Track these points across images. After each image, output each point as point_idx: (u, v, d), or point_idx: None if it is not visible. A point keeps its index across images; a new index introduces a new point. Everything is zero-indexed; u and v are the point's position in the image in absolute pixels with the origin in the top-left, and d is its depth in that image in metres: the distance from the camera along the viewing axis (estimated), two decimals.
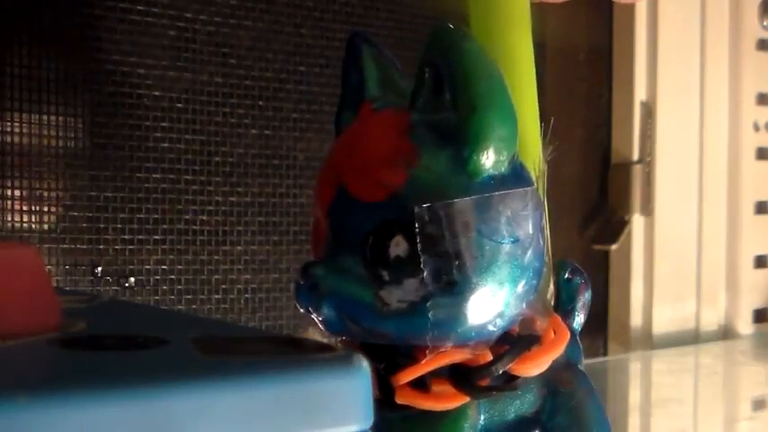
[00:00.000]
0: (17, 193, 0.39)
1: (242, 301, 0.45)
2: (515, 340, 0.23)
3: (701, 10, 0.64)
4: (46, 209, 0.40)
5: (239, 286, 0.45)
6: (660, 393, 0.51)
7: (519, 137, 0.22)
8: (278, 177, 0.46)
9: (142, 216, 0.42)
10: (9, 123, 0.39)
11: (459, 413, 0.23)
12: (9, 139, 0.39)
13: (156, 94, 0.43)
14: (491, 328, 0.22)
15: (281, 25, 0.46)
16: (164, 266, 0.43)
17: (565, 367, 0.25)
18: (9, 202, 0.39)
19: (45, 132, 0.40)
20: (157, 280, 0.43)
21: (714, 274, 0.65)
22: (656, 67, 0.62)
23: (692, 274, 0.64)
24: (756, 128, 0.67)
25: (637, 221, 0.62)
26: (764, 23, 0.67)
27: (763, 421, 0.46)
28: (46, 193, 0.40)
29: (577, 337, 0.26)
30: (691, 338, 0.63)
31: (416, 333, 0.22)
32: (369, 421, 0.16)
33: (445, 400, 0.23)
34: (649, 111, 0.62)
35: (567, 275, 0.26)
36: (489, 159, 0.21)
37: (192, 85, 0.44)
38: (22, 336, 0.16)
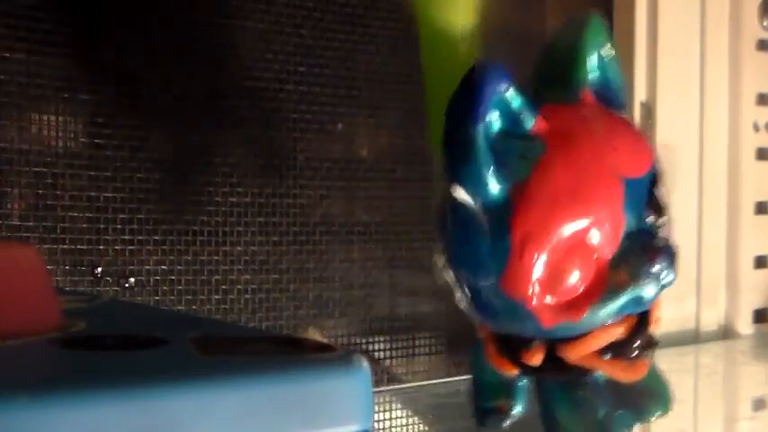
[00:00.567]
0: (17, 193, 0.39)
1: (242, 302, 0.45)
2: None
3: (701, 10, 0.64)
4: (46, 209, 0.40)
5: (239, 286, 0.45)
6: None
7: None
8: (278, 177, 0.46)
9: (142, 216, 0.42)
10: (9, 123, 0.39)
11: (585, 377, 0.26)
12: (9, 139, 0.39)
13: (157, 94, 0.43)
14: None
15: (281, 25, 0.46)
16: (164, 267, 0.43)
17: None
18: (9, 203, 0.39)
19: (45, 132, 0.40)
20: (157, 280, 0.43)
21: (714, 274, 0.65)
22: (656, 67, 0.62)
23: (691, 273, 0.63)
24: (756, 128, 0.67)
25: None
26: (764, 23, 0.67)
27: (763, 421, 0.46)
28: (46, 194, 0.40)
29: None
30: (691, 338, 0.63)
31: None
32: (369, 421, 0.16)
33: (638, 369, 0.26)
34: (649, 111, 0.62)
35: None
36: None
37: (191, 85, 0.44)
38: (22, 336, 0.16)
